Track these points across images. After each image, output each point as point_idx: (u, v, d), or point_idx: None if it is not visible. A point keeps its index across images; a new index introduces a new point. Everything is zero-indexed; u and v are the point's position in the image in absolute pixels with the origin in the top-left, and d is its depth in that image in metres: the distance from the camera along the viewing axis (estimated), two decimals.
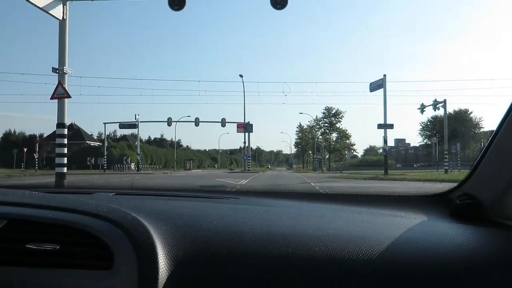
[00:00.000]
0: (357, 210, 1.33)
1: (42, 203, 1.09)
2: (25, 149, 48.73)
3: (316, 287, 0.91)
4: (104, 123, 54.36)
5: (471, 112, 78.19)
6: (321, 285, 0.92)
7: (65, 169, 14.38)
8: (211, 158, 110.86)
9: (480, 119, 77.97)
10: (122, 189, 1.71)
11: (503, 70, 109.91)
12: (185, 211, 1.20)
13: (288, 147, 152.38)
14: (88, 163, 44.65)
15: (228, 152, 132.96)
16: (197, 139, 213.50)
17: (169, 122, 54.48)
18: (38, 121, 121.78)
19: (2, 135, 76.58)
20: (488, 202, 1.18)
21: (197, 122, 53.35)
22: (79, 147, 65.07)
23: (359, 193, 1.60)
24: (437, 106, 37.07)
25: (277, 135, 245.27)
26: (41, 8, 13.05)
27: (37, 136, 67.43)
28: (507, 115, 1.08)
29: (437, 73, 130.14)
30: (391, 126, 31.29)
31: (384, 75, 31.70)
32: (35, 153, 47.64)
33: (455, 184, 1.34)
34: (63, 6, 13.93)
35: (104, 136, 57.98)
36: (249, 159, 54.86)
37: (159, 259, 0.92)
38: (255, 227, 1.06)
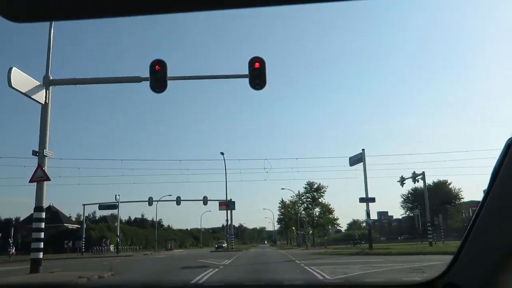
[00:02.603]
0: None
1: None
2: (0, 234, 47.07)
3: None
4: (83, 205, 53.34)
5: (450, 183, 79.42)
6: None
7: (41, 255, 13.88)
8: (193, 237, 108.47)
9: (459, 189, 79.03)
10: None
11: (478, 141, 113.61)
12: None
13: (271, 223, 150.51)
14: (66, 246, 43.26)
15: (211, 230, 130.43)
16: (179, 218, 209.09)
17: (150, 201, 53.76)
18: (15, 204, 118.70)
19: None
20: None
21: (178, 201, 52.80)
22: (56, 230, 63.18)
23: (349, 284, 1.56)
24: (417, 178, 37.69)
25: (260, 212, 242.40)
26: (24, 94, 13.27)
27: (13, 220, 65.50)
28: (482, 205, 1.10)
29: (415, 147, 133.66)
30: (373, 200, 31.45)
31: (363, 150, 32.42)
32: (10, 238, 45.96)
33: (439, 273, 1.35)
34: (46, 91, 14.20)
35: (83, 217, 56.58)
36: (232, 237, 53.84)
37: None
38: None
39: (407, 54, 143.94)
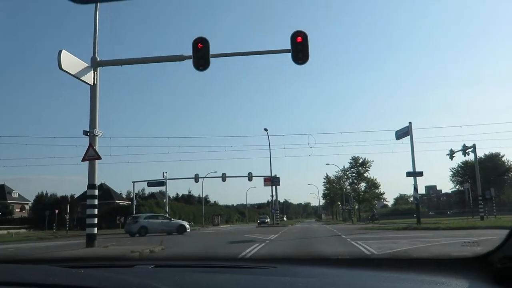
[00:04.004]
0: (397, 277, 1.29)
1: (89, 284, 1.08)
2: (57, 211, 49.59)
3: None
4: (133, 182, 55.21)
5: (503, 156, 76.32)
6: None
7: (95, 230, 14.52)
8: (239, 212, 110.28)
9: None
10: (160, 260, 1.69)
11: None
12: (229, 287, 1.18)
13: (316, 198, 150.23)
14: (118, 222, 45.03)
15: (256, 206, 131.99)
16: (225, 194, 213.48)
17: (196, 178, 54.87)
18: (70, 182, 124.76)
19: (35, 197, 78.61)
20: None
21: (224, 177, 53.61)
22: (108, 206, 65.84)
23: (398, 257, 1.50)
24: (467, 151, 36.42)
25: (304, 187, 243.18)
26: (73, 75, 13.71)
27: (68, 197, 68.71)
28: None
29: (465, 118, 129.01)
30: (420, 174, 30.72)
31: (410, 123, 31.51)
32: (66, 214, 48.37)
33: (494, 246, 1.31)
34: (94, 72, 14.60)
35: (133, 194, 58.64)
36: (277, 213, 54.29)
37: None
38: None
39: (453, 27, 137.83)
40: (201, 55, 13.94)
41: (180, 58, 14.67)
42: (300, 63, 13.99)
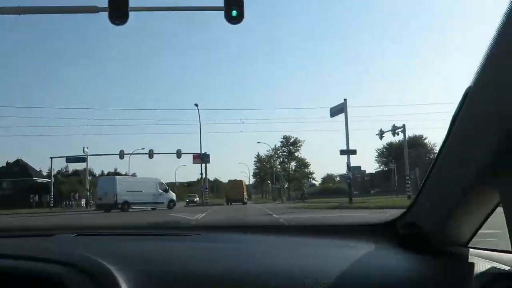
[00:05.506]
0: (311, 242, 1.43)
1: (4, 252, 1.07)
2: None
3: None
4: (51, 158, 50.96)
5: (425, 138, 80.00)
6: None
7: None
8: None
9: (434, 144, 79.70)
10: (82, 229, 1.71)
11: (453, 93, 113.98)
12: (151, 254, 1.22)
13: (246, 177, 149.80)
14: (32, 200, 41.58)
15: (186, 184, 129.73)
16: (153, 172, 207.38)
17: (121, 155, 51.92)
18: None
19: None
20: (429, 230, 1.26)
21: (151, 154, 51.14)
22: (24, 184, 61.12)
23: (317, 223, 2.09)
24: (396, 131, 36.89)
25: (235, 166, 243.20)
26: None
27: None
28: (442, 146, 1.14)
29: (395, 99, 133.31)
30: (354, 152, 30.58)
31: (345, 100, 31.16)
32: None
33: (400, 213, 1.42)
34: None
35: (51, 171, 54.44)
36: (207, 191, 52.86)
37: None
38: (218, 269, 1.11)
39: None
40: (117, 6, 11.95)
41: (93, 9, 12.57)
42: (234, 22, 12.46)
